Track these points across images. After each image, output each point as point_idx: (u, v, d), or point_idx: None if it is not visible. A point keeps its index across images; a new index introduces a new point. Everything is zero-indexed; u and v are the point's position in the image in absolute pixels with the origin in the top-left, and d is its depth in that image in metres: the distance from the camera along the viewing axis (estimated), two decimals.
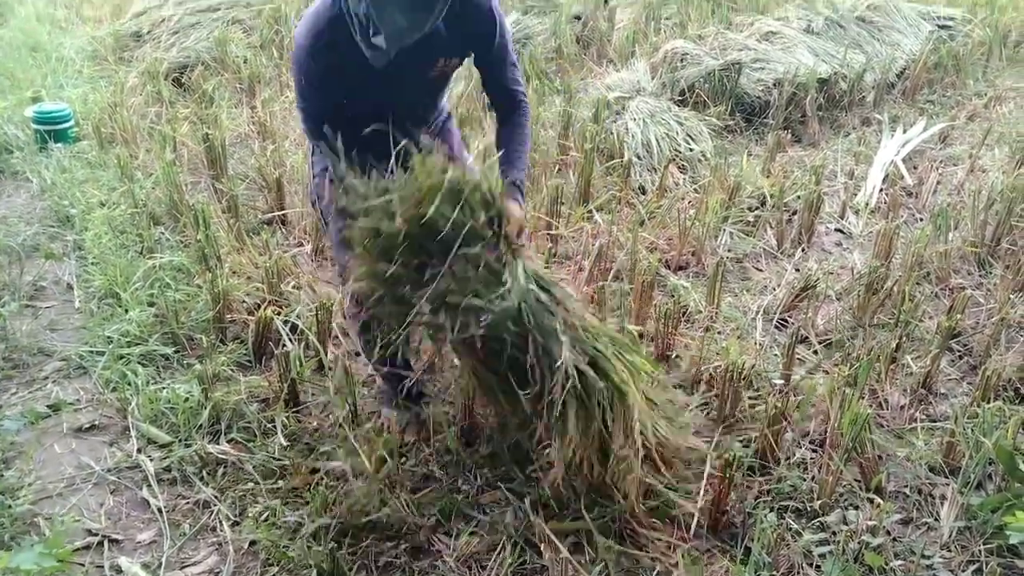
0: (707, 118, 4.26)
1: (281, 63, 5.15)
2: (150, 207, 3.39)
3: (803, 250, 3.35)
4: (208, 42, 5.23)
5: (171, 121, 4.17)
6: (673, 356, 2.63)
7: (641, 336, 2.67)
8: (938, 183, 3.85)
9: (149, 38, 5.44)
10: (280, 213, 3.45)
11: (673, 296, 2.92)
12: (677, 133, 4.05)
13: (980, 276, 3.13)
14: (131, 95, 4.57)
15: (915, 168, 4.10)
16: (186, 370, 2.54)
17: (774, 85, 4.56)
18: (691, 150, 4.00)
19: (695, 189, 3.73)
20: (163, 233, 3.27)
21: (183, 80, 4.93)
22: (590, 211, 3.45)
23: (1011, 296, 2.87)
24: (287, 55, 5.27)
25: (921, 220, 3.63)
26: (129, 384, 2.44)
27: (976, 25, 5.72)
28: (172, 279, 2.92)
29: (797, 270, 3.17)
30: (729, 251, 3.32)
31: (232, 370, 2.53)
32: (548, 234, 3.29)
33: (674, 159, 3.91)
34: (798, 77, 4.56)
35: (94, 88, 4.80)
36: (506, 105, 2.10)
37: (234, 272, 2.97)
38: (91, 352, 2.61)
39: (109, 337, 2.64)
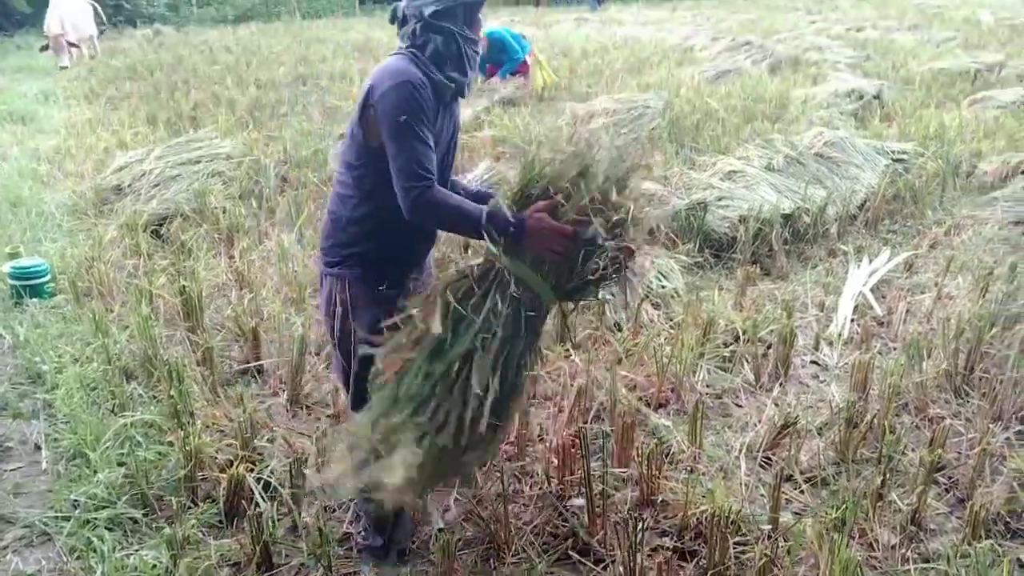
0: (677, 255, 4.36)
1: (260, 212, 5.26)
2: (124, 362, 3.36)
3: (781, 384, 3.36)
4: (188, 193, 5.35)
5: (148, 274, 4.20)
6: (659, 501, 2.57)
7: (625, 481, 2.62)
8: (907, 312, 3.92)
9: (130, 191, 5.55)
10: (255, 364, 3.43)
11: (655, 436, 2.89)
12: (649, 271, 4.13)
13: (957, 404, 3.14)
14: (109, 248, 4.62)
15: (883, 298, 4.18)
16: (155, 534, 2.44)
17: (740, 221, 4.70)
18: (663, 287, 4.07)
19: (670, 326, 3.77)
20: (136, 388, 3.22)
21: (162, 232, 5.00)
22: (567, 350, 3.46)
23: (990, 425, 2.87)
24: (267, 204, 5.39)
25: (894, 350, 3.68)
26: (95, 551, 2.34)
27: (928, 157, 5.99)
28: (144, 436, 2.86)
29: (776, 404, 3.17)
30: (708, 387, 3.32)
31: (203, 532, 2.44)
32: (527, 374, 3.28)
33: (647, 296, 3.97)
34: (763, 213, 4.72)
35: (73, 242, 4.86)
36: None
37: (207, 426, 2.91)
38: (56, 518, 2.51)
39: (76, 501, 2.55)
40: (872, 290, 4.21)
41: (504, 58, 9.04)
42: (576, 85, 9.70)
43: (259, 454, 2.77)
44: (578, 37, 15.02)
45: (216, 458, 2.75)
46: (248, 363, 3.47)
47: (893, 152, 5.99)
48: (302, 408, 3.17)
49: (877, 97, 8.37)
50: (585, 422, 2.91)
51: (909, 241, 5.01)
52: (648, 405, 3.17)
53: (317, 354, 3.57)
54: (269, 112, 8.35)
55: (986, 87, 9.00)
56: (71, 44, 12.18)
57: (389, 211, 2.07)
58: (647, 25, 17.82)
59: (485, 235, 1.98)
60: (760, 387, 3.34)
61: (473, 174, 5.42)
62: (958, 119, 7.21)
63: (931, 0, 21.62)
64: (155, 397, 3.16)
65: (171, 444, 2.78)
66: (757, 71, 10.10)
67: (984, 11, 17.05)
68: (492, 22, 17.96)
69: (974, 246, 4.77)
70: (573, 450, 2.62)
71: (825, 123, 6.93)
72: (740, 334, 3.60)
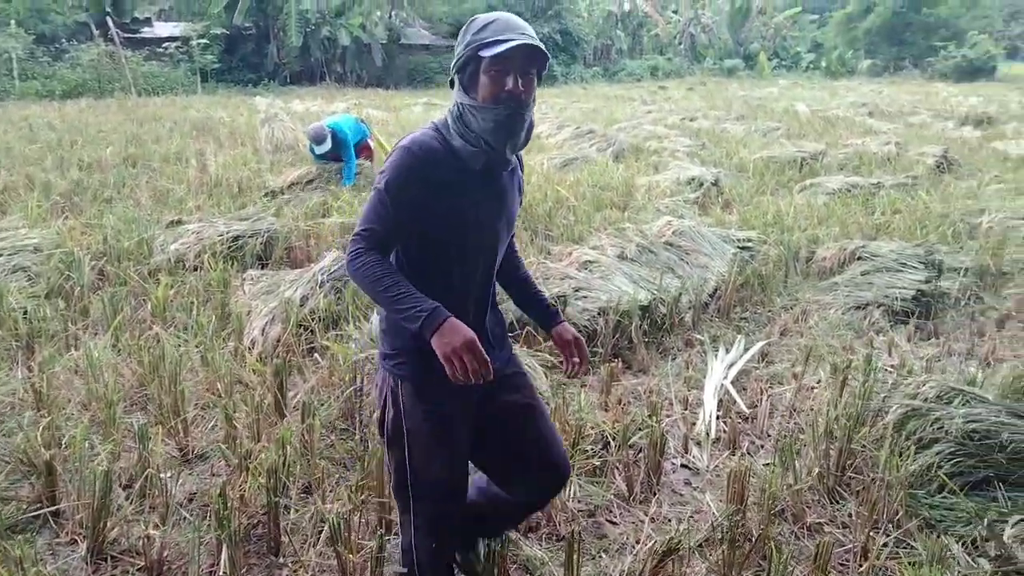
0: (538, 353, 4.14)
1: (69, 314, 4.63)
2: None
3: (655, 494, 3.15)
4: None
5: None
6: None
7: None
8: (771, 406, 3.86)
9: None
10: (51, 509, 2.86)
11: (528, 570, 2.58)
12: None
13: (834, 510, 3.03)
14: None
15: (744, 390, 4.12)
16: None
17: (599, 314, 4.57)
18: None
19: None
20: None
21: None
22: None
23: (871, 533, 2.76)
24: (77, 305, 4.77)
25: (762, 448, 3.58)
26: None
27: (771, 244, 6.18)
28: None
29: (653, 520, 2.94)
30: (579, 502, 3.06)
31: None
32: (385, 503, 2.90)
33: None
34: (621, 304, 4.61)
35: None
36: (516, 259, 2.40)
37: None
38: None
39: None
40: (732, 382, 4.14)
41: (342, 152, 8.53)
42: None
43: None
44: (427, 122, 15.03)
45: None
46: (41, 505, 2.89)
47: (738, 240, 6.13)
48: (106, 560, 2.63)
49: (716, 184, 8.71)
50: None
51: (761, 328, 5.05)
52: (517, 530, 2.86)
53: (127, 487, 3.04)
54: (91, 196, 7.63)
55: (812, 174, 9.60)
56: None
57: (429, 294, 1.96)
58: None
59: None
60: (633, 499, 3.11)
61: (320, 265, 5.04)
62: (792, 206, 7.56)
63: (753, 93, 23.46)
64: None
65: None
66: (603, 158, 10.35)
67: (800, 104, 18.59)
68: (338, 105, 17.77)
69: (822, 332, 4.85)
70: None
71: (671, 211, 7.07)
72: (610, 440, 3.38)
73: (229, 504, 2.77)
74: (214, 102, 18.88)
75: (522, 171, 2.25)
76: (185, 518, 2.93)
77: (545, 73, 1.99)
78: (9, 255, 5.14)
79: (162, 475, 3.03)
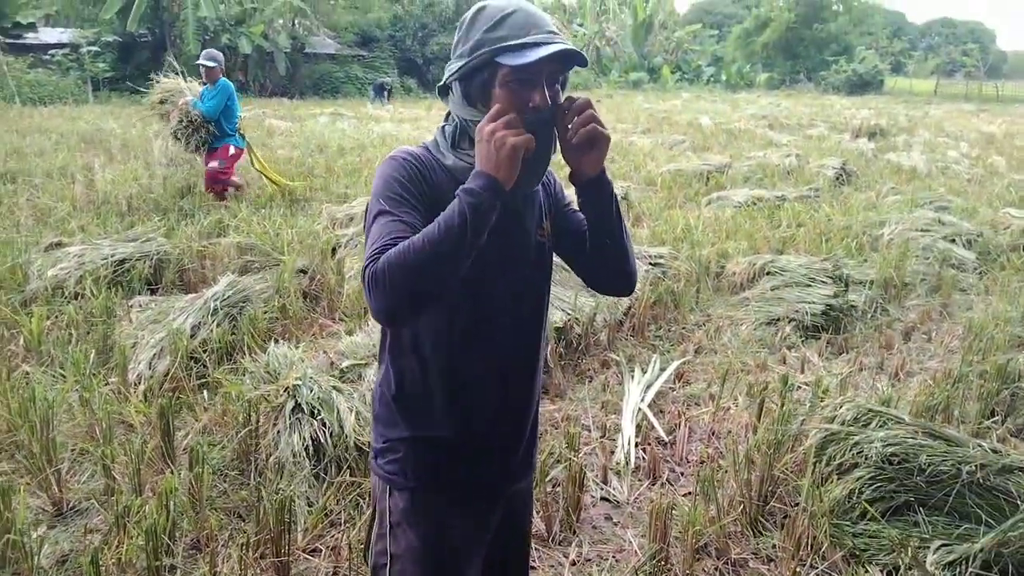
0: None
1: None
2: None
3: (574, 532, 2.99)
4: None
5: None
6: None
7: None
8: (689, 430, 3.76)
9: None
10: None
11: None
12: None
13: (756, 542, 2.94)
14: None
15: (662, 412, 4.02)
16: None
17: None
18: None
19: None
20: None
21: None
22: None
23: (797, 568, 2.67)
24: None
25: (683, 475, 3.47)
26: None
27: (681, 260, 6.15)
28: None
29: (574, 564, 2.78)
30: None
31: None
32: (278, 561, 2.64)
33: None
34: None
35: None
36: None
37: None
38: None
39: None
40: (650, 405, 4.04)
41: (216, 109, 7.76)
42: (333, 185, 9.24)
43: None
44: (334, 133, 14.64)
45: None
46: None
47: (650, 256, 6.07)
48: None
49: (625, 198, 8.69)
50: None
51: (675, 346, 4.98)
52: None
53: None
54: None
55: (718, 187, 9.73)
56: None
57: (422, 373, 1.57)
58: (403, 123, 17.88)
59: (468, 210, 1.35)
60: (553, 540, 2.95)
61: (213, 290, 4.70)
62: (701, 219, 7.59)
63: (658, 105, 23.92)
64: None
65: None
66: None
67: (704, 116, 19.00)
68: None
69: (736, 349, 4.82)
70: None
71: None
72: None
73: (104, 572, 2.47)
74: (106, 112, 17.95)
75: (552, 178, 1.75)
76: None
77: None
78: None
79: (24, 538, 2.68)
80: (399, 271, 1.31)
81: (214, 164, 7.93)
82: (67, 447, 3.38)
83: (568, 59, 1.43)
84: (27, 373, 3.91)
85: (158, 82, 8.40)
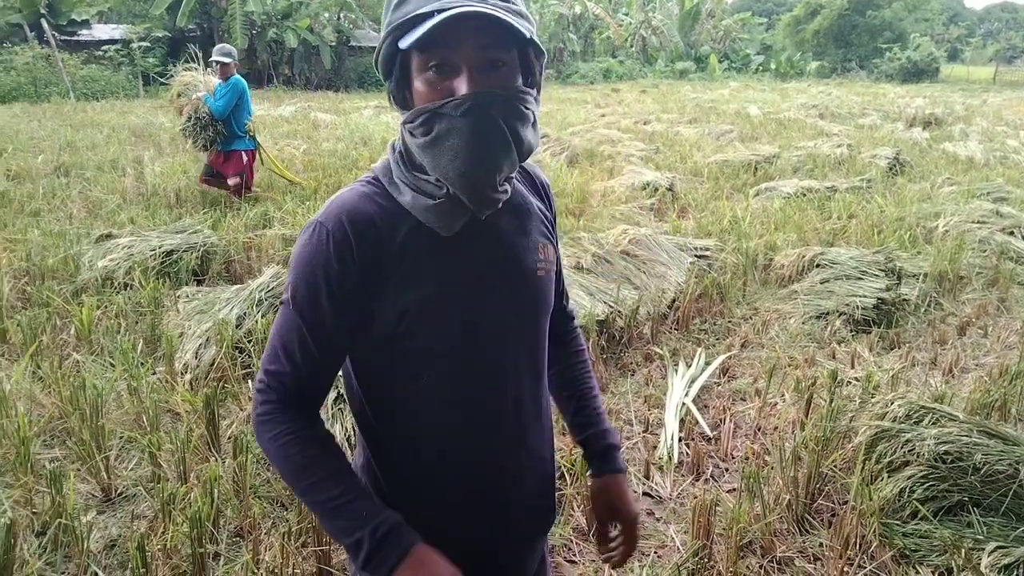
0: None
1: None
2: None
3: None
4: None
5: None
6: None
7: None
8: (734, 425, 3.69)
9: None
10: None
11: None
12: None
13: (803, 540, 2.87)
14: None
15: (706, 407, 3.95)
16: None
17: None
18: None
19: None
20: None
21: None
22: None
23: (845, 568, 2.60)
24: None
25: (727, 471, 3.40)
26: None
27: (728, 252, 6.04)
28: None
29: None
30: None
31: None
32: None
33: None
34: (577, 320, 4.41)
35: None
36: (562, 318, 1.51)
37: None
38: None
39: None
40: (694, 400, 3.97)
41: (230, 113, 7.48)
42: None
43: None
44: (378, 126, 14.71)
45: None
46: None
47: (696, 248, 5.98)
48: None
49: (671, 189, 8.58)
50: None
51: (721, 340, 4.89)
52: None
53: (41, 533, 2.75)
54: (16, 209, 7.20)
55: (767, 178, 9.55)
56: None
57: (398, 455, 1.27)
58: None
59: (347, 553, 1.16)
60: (593, 535, 2.90)
61: (258, 281, 4.75)
62: (748, 211, 7.46)
63: (704, 95, 23.57)
64: None
65: None
66: (557, 164, 10.17)
67: (752, 106, 18.68)
68: (286, 108, 17.30)
69: (783, 343, 4.72)
70: None
71: (627, 219, 6.91)
72: (566, 471, 3.18)
73: (149, 557, 2.51)
74: (155, 106, 18.28)
75: (547, 192, 1.40)
76: (100, 573, 2.64)
77: (544, 58, 1.19)
78: None
79: (75, 522, 2.73)
80: (278, 471, 1.19)
81: (234, 180, 7.59)
82: (115, 434, 3.45)
83: (489, 25, 1.05)
84: (78, 362, 3.99)
85: (175, 75, 8.18)
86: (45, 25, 22.43)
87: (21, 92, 20.53)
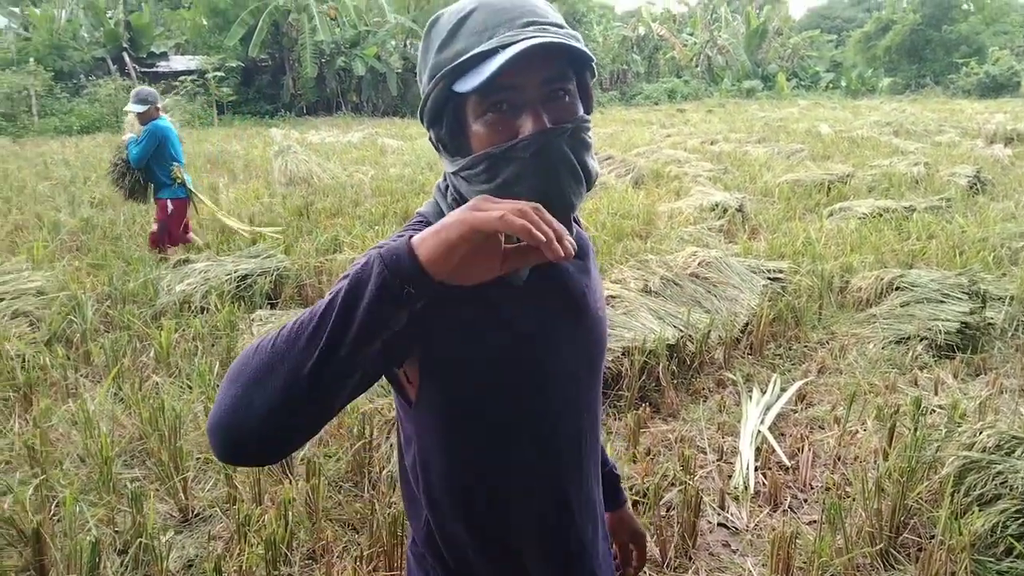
0: None
1: (70, 361, 4.43)
2: None
3: (690, 558, 2.87)
4: None
5: None
6: None
7: None
8: (813, 455, 3.57)
9: None
10: None
11: None
12: None
13: (888, 575, 2.74)
14: None
15: (783, 435, 3.84)
16: None
17: (624, 354, 4.31)
18: None
19: None
20: None
21: None
22: None
23: None
24: (79, 351, 4.58)
25: (806, 502, 3.29)
26: None
27: (802, 274, 5.89)
28: None
29: None
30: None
31: None
32: None
33: None
34: (647, 344, 4.35)
35: None
36: None
37: None
38: None
39: None
40: (770, 428, 3.86)
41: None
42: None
43: None
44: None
45: None
46: (29, 575, 2.67)
47: (768, 270, 5.85)
48: None
49: (740, 210, 8.44)
50: None
51: (797, 366, 4.76)
52: None
53: (122, 552, 2.82)
54: (100, 235, 7.49)
55: (841, 198, 9.31)
56: None
57: (451, 520, 1.17)
58: None
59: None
60: (668, 566, 2.84)
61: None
62: (823, 232, 7.27)
63: (773, 114, 23.20)
64: None
65: None
66: (622, 185, 10.12)
67: (823, 124, 18.30)
68: (355, 135, 17.66)
69: (862, 369, 4.56)
70: None
71: (696, 240, 6.81)
72: (639, 499, 3.11)
73: None
74: (230, 134, 18.90)
75: (588, 241, 1.27)
76: None
77: (593, 79, 1.10)
78: (12, 299, 4.97)
79: (154, 541, 2.79)
80: (238, 365, 0.89)
81: (154, 228, 6.69)
82: (192, 456, 3.52)
83: (551, 56, 0.98)
84: (157, 384, 4.10)
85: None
86: (127, 58, 23.46)
87: (104, 123, 21.50)
